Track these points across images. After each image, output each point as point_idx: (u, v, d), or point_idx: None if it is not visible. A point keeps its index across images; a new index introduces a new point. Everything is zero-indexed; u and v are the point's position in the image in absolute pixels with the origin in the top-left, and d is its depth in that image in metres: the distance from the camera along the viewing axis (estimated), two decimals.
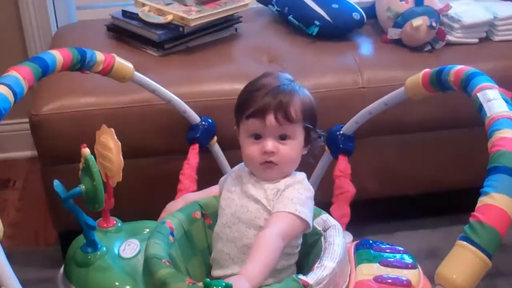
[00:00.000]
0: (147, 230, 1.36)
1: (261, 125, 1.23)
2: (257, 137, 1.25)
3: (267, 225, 1.18)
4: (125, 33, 2.02)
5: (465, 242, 0.83)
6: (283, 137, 1.24)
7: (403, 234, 2.01)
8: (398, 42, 2.00)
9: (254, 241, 1.16)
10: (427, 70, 1.31)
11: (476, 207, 0.86)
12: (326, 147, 1.64)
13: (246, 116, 1.24)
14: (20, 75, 1.16)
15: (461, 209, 2.00)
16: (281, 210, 1.19)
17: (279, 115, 1.22)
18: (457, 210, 2.03)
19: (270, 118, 1.22)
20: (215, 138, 1.73)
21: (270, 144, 1.23)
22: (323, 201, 1.45)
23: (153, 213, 1.42)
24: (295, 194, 1.22)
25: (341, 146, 1.60)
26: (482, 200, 0.86)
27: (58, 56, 1.30)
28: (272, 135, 1.23)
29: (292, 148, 1.25)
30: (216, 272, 1.28)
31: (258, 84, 1.27)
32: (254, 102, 1.24)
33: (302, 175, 1.28)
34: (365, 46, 2.06)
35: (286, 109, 1.22)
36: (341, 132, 1.61)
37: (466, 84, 1.13)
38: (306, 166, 1.35)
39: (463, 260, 0.83)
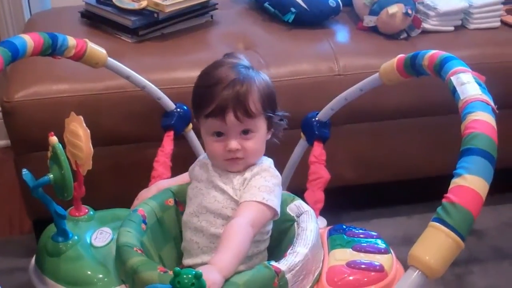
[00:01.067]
0: (119, 218, 1.34)
1: (221, 124, 1.21)
2: (219, 134, 1.23)
3: (235, 215, 1.17)
4: (99, 19, 2.00)
5: (437, 223, 0.84)
6: (245, 132, 1.22)
7: (379, 221, 2.03)
8: (373, 30, 2.00)
9: (223, 230, 1.15)
10: (401, 55, 1.32)
11: (449, 188, 0.86)
12: (302, 134, 1.64)
13: (205, 115, 1.22)
14: None
15: (436, 196, 2.01)
16: (249, 200, 1.19)
17: (239, 113, 1.20)
18: (433, 197, 2.02)
19: (230, 117, 1.20)
20: (191, 125, 1.72)
21: (233, 143, 1.21)
22: (298, 188, 1.45)
23: (127, 201, 1.41)
24: (262, 182, 1.22)
25: (316, 132, 1.59)
26: (455, 182, 0.86)
27: (28, 40, 1.28)
28: (235, 132, 1.22)
29: (256, 142, 1.24)
30: (186, 261, 1.28)
31: (214, 77, 1.23)
32: (211, 100, 1.20)
33: (268, 161, 1.28)
34: (341, 34, 2.06)
35: (246, 105, 1.20)
36: (316, 118, 1.60)
37: (440, 68, 1.14)
38: (280, 152, 1.35)
39: (436, 241, 0.83)
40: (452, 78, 1.07)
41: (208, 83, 1.23)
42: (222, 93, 1.20)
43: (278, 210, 1.22)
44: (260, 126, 1.24)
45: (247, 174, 1.24)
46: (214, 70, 1.25)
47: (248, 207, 1.18)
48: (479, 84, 1.03)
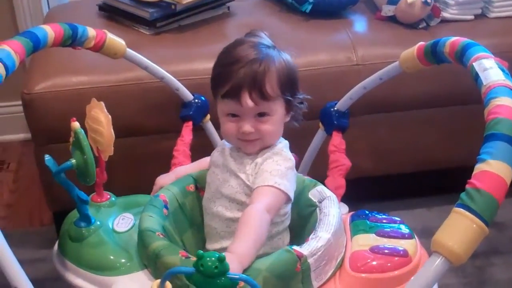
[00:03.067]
0: (141, 204, 1.34)
1: (237, 106, 1.19)
2: (234, 115, 1.21)
3: (251, 201, 1.16)
4: (117, 12, 2.00)
5: (461, 209, 0.83)
6: (261, 115, 1.20)
7: (397, 213, 1.97)
8: (392, 19, 1.98)
9: (240, 217, 1.14)
10: (422, 43, 1.31)
11: (473, 173, 0.85)
12: (320, 124, 1.63)
13: (221, 95, 1.20)
14: (12, 48, 1.15)
15: (455, 188, 2.01)
16: (261, 185, 1.17)
17: (254, 95, 1.17)
18: (452, 189, 2.03)
19: (246, 99, 1.17)
20: (208, 116, 1.71)
21: (247, 126, 1.19)
22: (317, 179, 1.44)
23: (147, 189, 1.41)
24: (274, 166, 1.19)
25: (335, 122, 1.58)
26: (479, 167, 0.85)
27: (49, 31, 1.29)
28: (250, 115, 1.20)
29: (272, 124, 1.21)
30: (208, 246, 1.28)
31: (232, 56, 1.20)
32: (228, 80, 1.18)
33: (281, 144, 1.25)
34: (359, 23, 2.04)
35: (262, 87, 1.17)
36: (335, 108, 1.60)
37: (461, 54, 1.12)
38: (299, 143, 1.34)
39: (460, 227, 0.82)
40: (474, 64, 1.05)
41: (226, 62, 1.21)
42: (238, 73, 1.17)
43: (291, 194, 1.20)
44: (277, 109, 1.21)
45: (259, 159, 1.22)
46: (234, 49, 1.22)
47: (262, 192, 1.16)
48: (502, 70, 1.02)
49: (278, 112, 1.22)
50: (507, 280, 1.78)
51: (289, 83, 1.23)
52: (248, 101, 1.17)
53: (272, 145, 1.25)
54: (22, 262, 0.94)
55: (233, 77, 1.18)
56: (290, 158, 1.24)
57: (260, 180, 1.18)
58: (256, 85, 1.17)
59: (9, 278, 0.91)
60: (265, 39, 1.26)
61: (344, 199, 1.47)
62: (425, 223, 1.95)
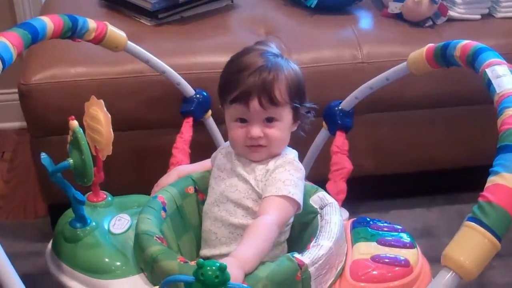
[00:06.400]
0: (138, 205, 1.33)
1: (245, 110, 1.19)
2: (243, 120, 1.22)
3: (262, 211, 1.15)
4: (118, 2, 1.97)
5: (473, 223, 0.81)
6: (269, 120, 1.21)
7: (398, 213, 2.00)
8: (398, 17, 1.96)
9: (244, 223, 1.14)
10: (431, 44, 1.28)
11: (485, 186, 0.83)
12: (324, 123, 1.61)
13: (230, 101, 1.21)
14: (9, 41, 1.12)
15: (457, 188, 2.02)
16: (275, 194, 1.16)
17: (263, 99, 1.18)
18: (453, 189, 2.04)
19: (254, 104, 1.18)
20: (210, 111, 1.69)
21: (256, 130, 1.20)
22: (318, 178, 1.42)
23: (144, 187, 1.39)
24: (287, 175, 1.19)
25: (339, 122, 1.57)
26: (492, 180, 0.83)
27: (48, 22, 1.25)
28: (258, 120, 1.20)
29: (280, 130, 1.22)
30: (203, 252, 1.26)
31: (241, 63, 1.22)
32: (237, 86, 1.19)
33: (292, 154, 1.26)
34: (365, 20, 2.02)
35: (271, 93, 1.18)
36: (339, 107, 1.57)
37: (473, 59, 1.10)
38: (301, 142, 1.32)
39: (471, 242, 0.80)
40: (487, 70, 1.03)
41: (235, 69, 1.22)
42: (248, 79, 1.18)
43: (302, 204, 1.20)
44: (285, 115, 1.22)
45: (270, 165, 1.22)
46: (242, 56, 1.24)
47: (275, 203, 1.16)
48: None
49: (285, 119, 1.22)
50: (507, 283, 1.77)
51: (297, 91, 1.23)
52: (256, 105, 1.18)
53: (282, 154, 1.24)
54: (15, 255, 0.93)
55: (243, 83, 1.18)
56: (301, 168, 1.24)
57: (273, 188, 1.17)
58: (266, 91, 1.18)
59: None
60: (273, 48, 1.27)
61: (345, 198, 1.47)
62: (425, 223, 1.94)
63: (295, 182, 1.19)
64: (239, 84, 1.19)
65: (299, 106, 1.24)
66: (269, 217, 1.12)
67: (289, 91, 1.21)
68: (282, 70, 1.21)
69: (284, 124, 1.22)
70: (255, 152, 1.22)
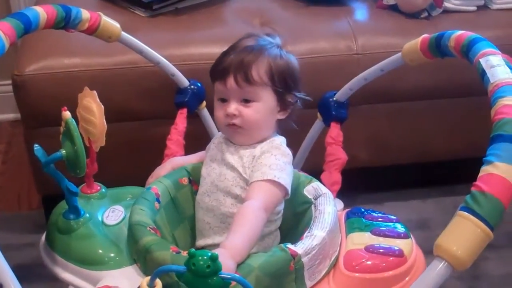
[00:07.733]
0: (132, 196, 1.32)
1: (224, 88, 1.22)
2: (223, 100, 1.23)
3: (248, 197, 1.14)
4: None
5: (466, 213, 0.80)
6: (246, 100, 1.21)
7: (393, 204, 2.00)
8: (394, 8, 1.96)
9: (235, 213, 1.13)
10: (425, 35, 1.27)
11: (478, 176, 0.82)
12: (318, 114, 1.60)
13: (212, 79, 1.24)
14: (1, 31, 1.11)
15: (452, 180, 2.02)
16: (260, 179, 1.16)
17: (239, 77, 1.20)
18: (448, 181, 2.04)
19: (231, 81, 1.20)
20: (204, 103, 1.68)
21: (231, 107, 1.21)
22: (313, 169, 1.42)
23: (139, 179, 1.38)
24: (273, 160, 1.19)
25: (333, 113, 1.56)
26: (485, 169, 0.82)
27: (41, 12, 1.24)
28: (235, 98, 1.22)
29: (256, 111, 1.21)
30: (198, 242, 1.26)
31: (233, 46, 1.25)
32: (219, 64, 1.23)
33: (279, 139, 1.25)
34: (360, 12, 2.01)
35: (247, 71, 1.20)
36: (334, 98, 1.57)
37: (467, 50, 1.09)
38: (296, 133, 1.32)
39: (464, 231, 0.79)
40: (481, 60, 1.02)
41: (226, 51, 1.26)
42: (229, 57, 1.21)
43: (289, 188, 1.19)
44: (263, 97, 1.22)
45: (257, 151, 1.22)
46: (239, 40, 1.27)
47: (260, 187, 1.15)
48: (510, 67, 0.98)
49: (264, 100, 1.22)
50: (501, 274, 1.78)
51: (282, 76, 1.23)
52: (232, 83, 1.20)
53: (269, 139, 1.24)
54: (9, 247, 0.92)
55: (224, 61, 1.22)
56: (288, 153, 1.23)
57: (258, 174, 1.17)
58: (242, 69, 1.20)
59: None
60: (275, 39, 1.28)
61: (340, 189, 1.46)
62: (420, 215, 1.95)
63: (281, 166, 1.18)
64: (221, 62, 1.22)
65: (283, 92, 1.23)
66: (255, 202, 1.12)
67: (269, 74, 1.21)
68: (268, 54, 1.22)
69: (262, 106, 1.22)
70: (235, 133, 1.23)
